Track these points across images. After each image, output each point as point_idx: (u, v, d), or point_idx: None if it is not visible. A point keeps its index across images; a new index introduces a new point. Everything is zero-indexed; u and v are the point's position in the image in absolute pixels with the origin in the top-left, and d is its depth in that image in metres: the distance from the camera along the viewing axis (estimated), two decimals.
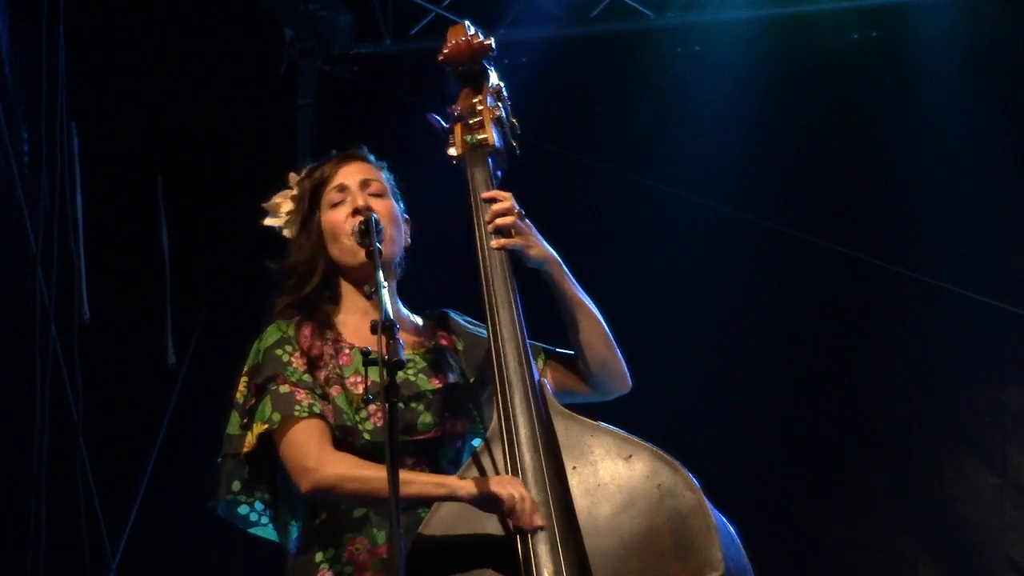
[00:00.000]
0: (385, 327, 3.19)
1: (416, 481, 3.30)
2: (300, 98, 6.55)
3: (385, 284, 3.32)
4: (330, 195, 3.60)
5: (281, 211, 3.69)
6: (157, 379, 5.89)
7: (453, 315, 3.68)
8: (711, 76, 6.37)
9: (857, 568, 6.32)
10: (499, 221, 3.51)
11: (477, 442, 3.54)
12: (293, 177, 3.70)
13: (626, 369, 3.63)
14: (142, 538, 5.80)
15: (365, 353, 3.23)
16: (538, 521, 3.28)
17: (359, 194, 3.58)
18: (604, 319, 3.58)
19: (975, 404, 6.23)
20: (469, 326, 3.66)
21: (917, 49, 6.25)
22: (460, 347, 3.64)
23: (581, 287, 3.61)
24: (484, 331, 3.56)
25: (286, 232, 3.68)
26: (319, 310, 3.58)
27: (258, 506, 3.54)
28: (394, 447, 3.13)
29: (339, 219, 3.57)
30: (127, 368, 5.92)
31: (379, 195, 3.60)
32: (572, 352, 3.60)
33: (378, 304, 3.28)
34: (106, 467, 5.32)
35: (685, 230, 6.35)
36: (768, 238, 6.27)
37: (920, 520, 6.24)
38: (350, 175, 3.61)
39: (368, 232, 3.44)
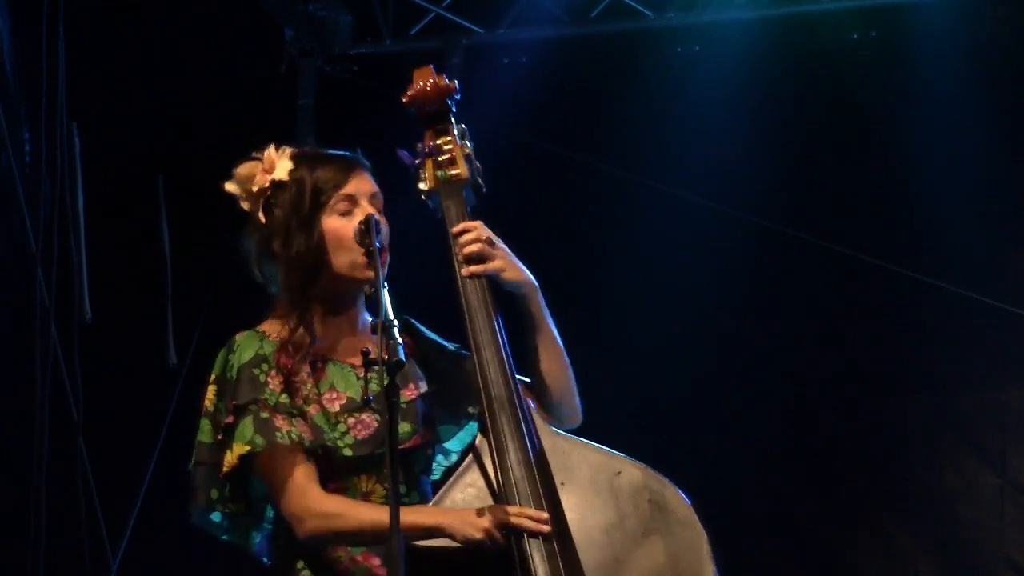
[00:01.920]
0: (385, 327, 3.19)
1: (409, 523, 3.23)
2: (300, 98, 6.56)
3: (386, 285, 3.33)
4: (339, 203, 3.53)
5: (252, 185, 3.58)
6: (158, 379, 5.88)
7: (414, 323, 3.65)
8: (711, 76, 6.36)
9: (857, 568, 6.32)
10: (466, 250, 3.51)
11: (449, 448, 3.57)
12: (279, 159, 3.59)
13: (579, 405, 3.61)
14: (143, 539, 5.80)
15: (365, 353, 3.22)
16: (544, 528, 3.29)
17: (371, 210, 3.54)
18: (567, 354, 3.58)
19: (975, 404, 6.23)
20: (429, 334, 3.64)
21: (917, 49, 6.24)
22: (421, 353, 3.61)
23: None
24: (444, 342, 3.60)
25: (244, 205, 3.60)
26: (305, 318, 3.54)
27: (228, 513, 3.53)
28: (394, 448, 3.13)
29: (350, 231, 3.51)
30: (128, 368, 5.91)
31: (381, 211, 3.59)
32: (529, 380, 3.59)
33: (377, 305, 3.29)
34: (106, 467, 5.32)
35: (685, 230, 6.35)
36: (768, 238, 6.28)
37: (920, 520, 6.24)
38: (362, 186, 3.55)
39: (368, 231, 3.43)
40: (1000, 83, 6.21)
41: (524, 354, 3.56)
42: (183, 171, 6.18)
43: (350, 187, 3.55)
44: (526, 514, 3.29)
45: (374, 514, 3.35)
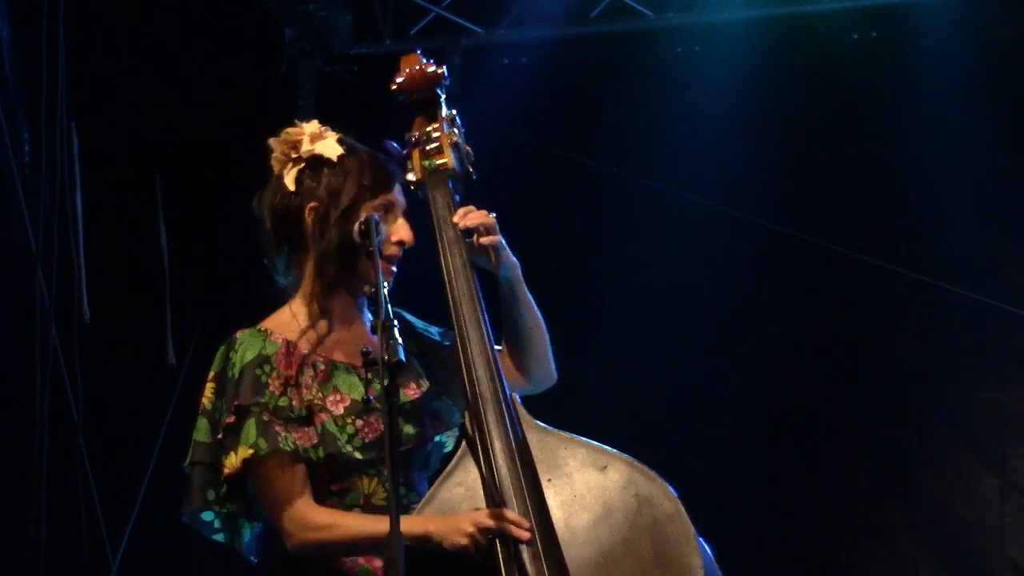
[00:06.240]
0: (385, 327, 3.19)
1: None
2: (300, 98, 6.55)
3: (386, 285, 3.33)
4: (376, 208, 3.53)
5: (294, 149, 3.59)
6: (157, 379, 5.88)
7: (407, 316, 3.65)
8: (711, 76, 6.36)
9: (857, 568, 6.31)
10: (474, 220, 3.51)
11: (442, 439, 3.54)
12: (325, 135, 3.62)
13: (554, 366, 3.66)
14: (143, 538, 5.80)
15: (365, 353, 3.23)
16: (524, 534, 3.28)
17: (405, 226, 3.56)
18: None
19: (975, 404, 6.22)
20: (419, 328, 3.65)
21: (917, 49, 6.24)
22: (415, 350, 3.60)
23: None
24: (434, 333, 3.61)
25: (275, 165, 3.60)
26: (310, 313, 3.54)
27: (223, 512, 3.52)
28: (394, 448, 3.13)
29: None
30: (127, 368, 5.91)
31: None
32: (507, 345, 3.62)
33: (377, 305, 3.29)
34: (106, 467, 5.32)
35: (685, 230, 6.34)
36: (768, 238, 6.27)
37: (920, 520, 6.24)
38: (399, 197, 3.58)
39: (368, 232, 3.44)
40: (1000, 83, 6.21)
41: (506, 324, 3.59)
42: (182, 172, 6.19)
43: (391, 194, 3.57)
44: (508, 518, 3.29)
45: (363, 524, 3.38)
